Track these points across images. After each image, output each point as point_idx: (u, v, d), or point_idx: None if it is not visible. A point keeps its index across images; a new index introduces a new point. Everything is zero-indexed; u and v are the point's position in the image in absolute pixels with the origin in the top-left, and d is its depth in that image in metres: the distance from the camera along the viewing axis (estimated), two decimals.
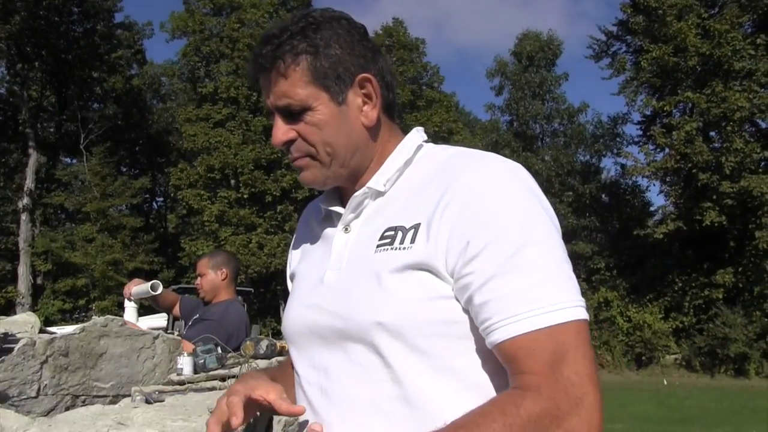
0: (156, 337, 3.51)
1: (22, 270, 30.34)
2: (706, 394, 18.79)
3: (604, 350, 27.54)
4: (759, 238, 25.07)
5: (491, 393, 1.07)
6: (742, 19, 26.34)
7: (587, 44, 34.17)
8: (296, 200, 31.13)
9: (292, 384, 1.36)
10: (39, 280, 31.42)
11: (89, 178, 31.30)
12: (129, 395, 2.99)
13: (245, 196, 31.41)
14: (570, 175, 33.93)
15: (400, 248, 1.11)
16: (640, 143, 30.52)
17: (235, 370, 3.39)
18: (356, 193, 1.23)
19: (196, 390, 3.04)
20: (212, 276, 4.21)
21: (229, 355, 3.67)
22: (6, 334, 2.87)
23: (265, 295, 32.72)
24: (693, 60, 26.09)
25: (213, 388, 3.13)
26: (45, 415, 2.61)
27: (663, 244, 27.88)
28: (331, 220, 1.30)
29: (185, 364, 3.25)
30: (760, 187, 24.56)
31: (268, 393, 1.20)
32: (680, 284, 27.62)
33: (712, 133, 27.94)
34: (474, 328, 1.07)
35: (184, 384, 3.16)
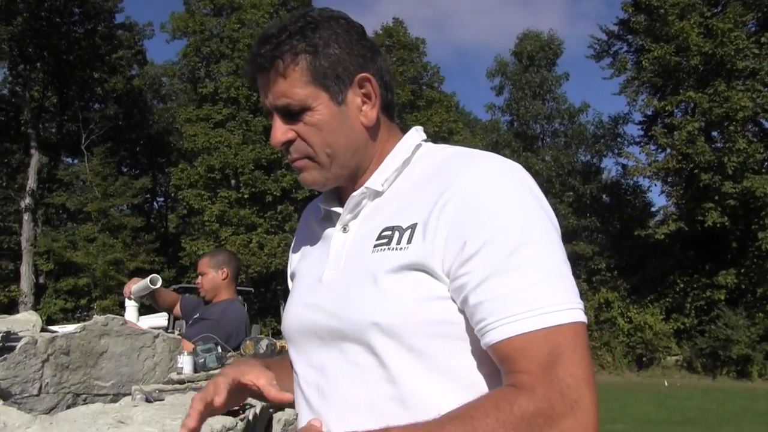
0: (156, 336, 3.52)
1: (25, 269, 30.42)
2: (708, 396, 18.77)
3: (604, 351, 27.53)
4: (762, 238, 25.04)
5: None
6: (746, 17, 26.24)
7: (588, 44, 34.24)
8: (296, 200, 31.14)
9: (287, 374, 1.37)
10: (41, 280, 31.51)
11: (90, 178, 31.35)
12: (129, 394, 3.00)
13: (245, 196, 31.43)
14: (571, 175, 33.91)
15: (396, 248, 1.10)
16: (642, 143, 30.52)
17: None
18: (354, 193, 1.22)
19: (196, 389, 3.04)
20: (213, 275, 4.21)
21: (229, 354, 3.67)
22: (8, 333, 2.88)
23: (266, 294, 32.75)
24: (695, 59, 26.04)
25: None
26: (46, 413, 2.61)
27: (664, 244, 27.85)
28: (331, 219, 1.29)
29: (185, 363, 3.25)
30: (763, 187, 24.52)
31: (258, 378, 1.23)
32: (682, 285, 27.58)
33: (715, 133, 27.93)
34: (470, 329, 1.06)
35: (184, 383, 3.16)
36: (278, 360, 1.47)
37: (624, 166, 31.94)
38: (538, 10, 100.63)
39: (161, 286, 4.36)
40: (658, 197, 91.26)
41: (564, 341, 0.98)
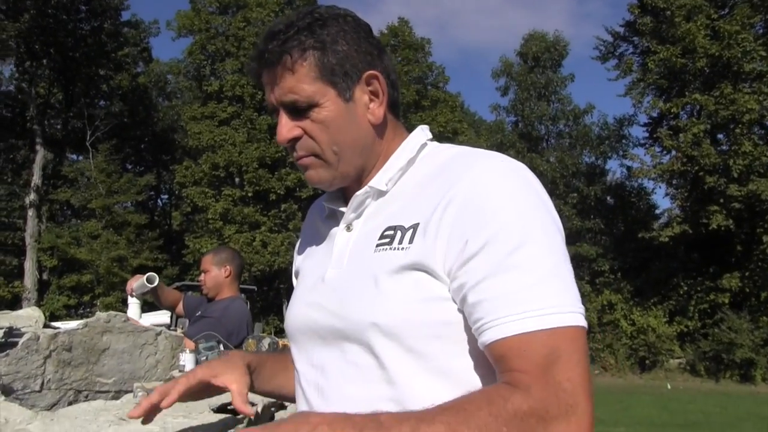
0: (159, 334, 3.52)
1: (29, 265, 30.50)
2: (711, 400, 18.73)
3: (607, 353, 27.50)
4: (766, 242, 24.98)
5: None
6: (754, 19, 26.13)
7: (593, 45, 34.24)
8: (300, 199, 31.15)
9: (282, 368, 1.39)
10: (45, 276, 31.56)
11: (95, 175, 31.39)
12: (131, 391, 2.99)
13: (249, 194, 31.47)
14: (575, 176, 33.88)
15: (398, 248, 1.10)
16: (647, 145, 30.43)
17: None
18: (358, 193, 1.22)
19: None
20: (216, 273, 4.20)
21: (232, 352, 3.66)
22: (11, 329, 2.88)
23: (269, 293, 32.76)
24: (701, 61, 25.96)
25: None
26: (48, 410, 2.62)
27: (668, 247, 27.80)
28: (335, 218, 1.29)
29: (187, 360, 3.24)
30: None
31: (231, 384, 1.24)
32: (685, 288, 27.52)
33: (720, 136, 27.85)
34: (470, 330, 1.05)
35: None
36: (276, 355, 1.47)
37: (629, 168, 31.93)
38: (544, 10, 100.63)
39: (159, 284, 4.34)
40: (662, 199, 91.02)
41: (562, 345, 0.97)
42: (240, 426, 2.13)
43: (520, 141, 34.76)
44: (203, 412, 2.01)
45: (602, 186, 33.64)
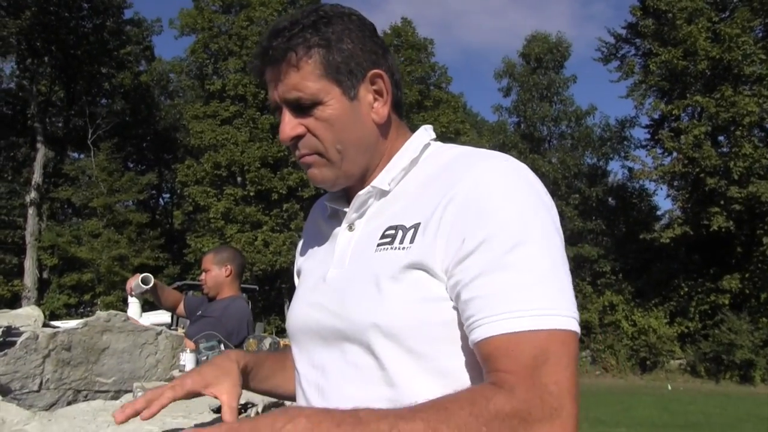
0: (159, 333, 3.50)
1: (29, 264, 30.48)
2: (711, 401, 18.73)
3: (608, 354, 27.54)
4: (766, 244, 25.03)
5: None
6: (754, 23, 26.27)
7: (596, 47, 34.18)
8: (302, 198, 31.16)
9: (281, 367, 1.38)
10: (45, 275, 31.54)
11: (96, 174, 31.38)
12: (131, 391, 2.98)
13: (251, 194, 31.47)
14: (577, 177, 33.90)
15: (399, 248, 1.09)
16: (648, 147, 30.48)
17: None
18: (360, 192, 1.21)
19: None
20: (216, 272, 4.19)
21: (229, 352, 3.64)
22: (9, 328, 2.86)
23: (270, 293, 32.75)
24: (702, 64, 26.03)
25: None
26: (46, 410, 2.60)
27: (669, 248, 27.84)
28: (338, 217, 1.28)
29: (188, 360, 3.23)
30: None
31: (221, 395, 1.22)
32: (686, 289, 27.56)
33: (721, 138, 27.91)
34: None
35: None
36: (276, 354, 1.46)
37: (630, 170, 31.98)
38: (546, 12, 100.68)
39: (158, 284, 4.33)
40: (663, 201, 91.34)
41: (552, 347, 0.95)
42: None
43: (522, 142, 34.76)
44: (203, 412, 2.00)
45: (604, 187, 33.66)
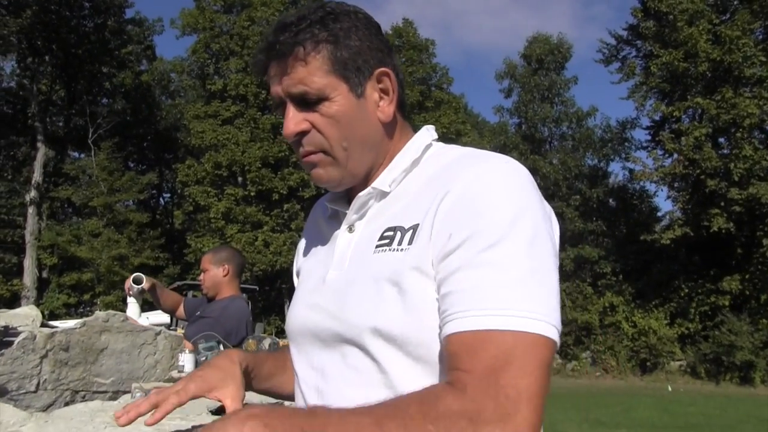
0: (158, 334, 3.49)
1: (28, 263, 30.46)
2: (711, 402, 18.71)
3: (608, 355, 27.57)
4: (767, 245, 25.04)
5: None
6: (754, 25, 26.31)
7: (597, 48, 34.25)
8: (303, 199, 31.17)
9: (281, 367, 1.37)
10: (44, 274, 31.53)
11: (97, 173, 31.38)
12: (129, 392, 2.97)
13: (252, 194, 31.47)
14: (577, 178, 33.89)
15: (397, 249, 1.07)
16: (649, 148, 30.46)
17: None
18: (360, 194, 1.19)
19: None
20: (214, 272, 4.17)
21: (229, 351, 3.63)
22: (6, 328, 2.85)
23: (270, 293, 32.76)
24: (703, 66, 26.05)
25: None
26: (44, 410, 2.59)
27: (670, 249, 27.86)
28: (338, 218, 1.26)
29: (187, 361, 3.22)
30: None
31: (225, 399, 1.20)
32: (686, 290, 27.57)
33: (721, 140, 27.93)
34: None
35: None
36: (276, 354, 1.45)
37: (631, 171, 31.98)
38: (548, 13, 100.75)
39: (158, 285, 4.32)
40: (664, 202, 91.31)
41: (518, 350, 0.91)
42: None
43: (523, 143, 34.77)
44: (201, 413, 1.98)
45: (604, 188, 33.66)
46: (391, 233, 1.10)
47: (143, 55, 38.06)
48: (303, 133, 1.15)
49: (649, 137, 31.10)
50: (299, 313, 1.24)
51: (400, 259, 1.05)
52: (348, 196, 1.26)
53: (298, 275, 1.39)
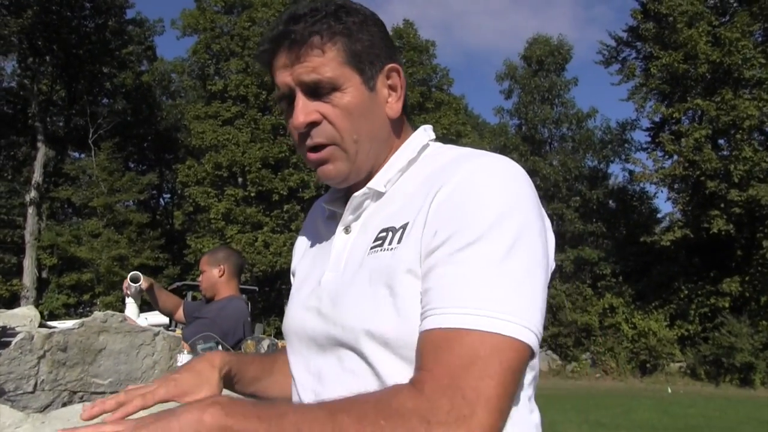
0: (156, 334, 3.48)
1: (28, 263, 30.45)
2: (711, 404, 18.69)
3: (608, 357, 27.58)
4: (766, 247, 25.05)
5: None
6: (753, 27, 26.37)
7: (597, 49, 34.20)
8: (303, 199, 31.18)
9: (268, 370, 1.36)
10: (44, 274, 31.52)
11: (97, 173, 31.39)
12: None
13: (252, 195, 31.48)
14: (577, 180, 33.90)
15: (387, 249, 1.06)
16: (649, 150, 30.48)
17: None
18: (356, 194, 1.17)
19: None
20: (211, 273, 4.17)
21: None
22: (4, 328, 2.84)
23: (270, 294, 32.74)
24: (703, 67, 26.08)
25: None
26: (41, 411, 2.58)
27: (669, 251, 27.85)
28: (335, 219, 1.25)
29: (185, 362, 3.21)
30: None
31: None
32: (686, 292, 27.58)
33: (721, 141, 27.95)
34: None
35: None
36: (264, 357, 1.44)
37: (631, 172, 31.99)
38: (548, 14, 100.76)
39: (157, 286, 4.31)
40: (664, 204, 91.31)
41: (483, 352, 0.89)
42: None
43: (523, 144, 34.78)
44: None
45: (604, 190, 33.68)
46: (384, 234, 1.09)
47: (144, 56, 38.08)
48: (313, 125, 1.13)
49: (649, 139, 31.15)
50: (295, 314, 1.22)
51: (389, 258, 1.04)
52: (345, 198, 1.24)
53: (293, 275, 1.38)
